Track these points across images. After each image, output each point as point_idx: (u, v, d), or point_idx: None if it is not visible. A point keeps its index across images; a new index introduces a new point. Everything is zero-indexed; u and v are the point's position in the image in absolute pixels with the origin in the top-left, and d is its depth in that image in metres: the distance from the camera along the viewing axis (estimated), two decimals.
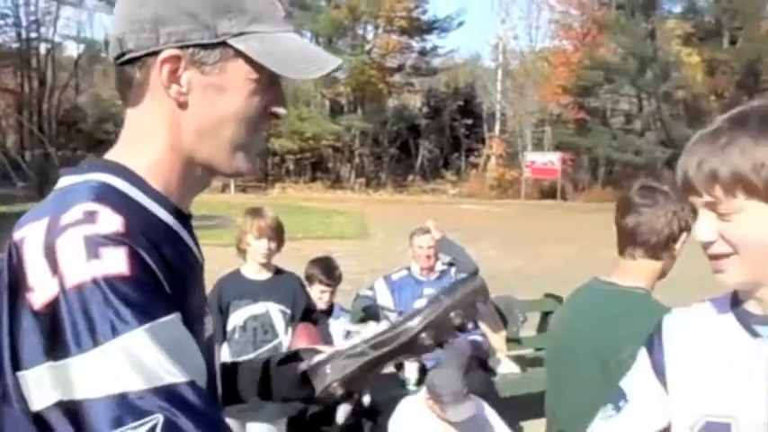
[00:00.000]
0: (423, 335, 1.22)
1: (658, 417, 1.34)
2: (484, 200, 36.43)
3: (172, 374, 0.88)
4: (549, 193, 38.55)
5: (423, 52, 44.23)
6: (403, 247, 6.80)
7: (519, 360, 5.61)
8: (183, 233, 1.07)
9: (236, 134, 1.06)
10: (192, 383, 0.90)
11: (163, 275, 0.94)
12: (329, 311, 4.72)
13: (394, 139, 42.48)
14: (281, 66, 1.04)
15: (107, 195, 0.98)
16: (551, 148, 40.53)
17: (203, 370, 0.97)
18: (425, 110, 45.54)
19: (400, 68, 43.14)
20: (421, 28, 43.08)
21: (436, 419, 3.39)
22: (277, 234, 3.85)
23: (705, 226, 1.19)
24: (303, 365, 1.30)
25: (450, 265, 5.46)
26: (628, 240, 2.07)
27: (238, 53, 1.03)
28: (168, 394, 0.87)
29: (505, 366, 5.36)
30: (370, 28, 42.44)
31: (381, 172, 42.12)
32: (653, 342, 1.38)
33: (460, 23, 45.40)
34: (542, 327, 6.12)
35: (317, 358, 1.29)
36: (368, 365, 1.25)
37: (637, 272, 2.08)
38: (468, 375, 3.68)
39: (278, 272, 3.97)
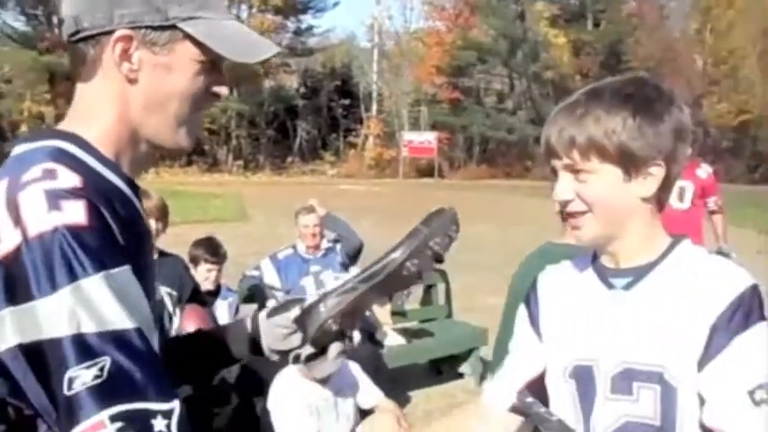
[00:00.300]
0: (407, 264, 1.26)
1: (534, 365, 1.45)
2: (363, 179, 36.71)
3: (122, 320, 0.95)
4: (426, 171, 39.25)
5: (298, 32, 43.90)
6: (284, 228, 6.77)
7: (404, 332, 5.74)
8: (134, 199, 1.14)
9: (180, 110, 1.15)
10: (139, 330, 0.96)
11: (118, 231, 1.01)
12: (216, 292, 4.68)
13: (271, 120, 42.01)
14: (225, 49, 1.13)
15: (62, 157, 1.05)
16: (427, 127, 41.26)
17: (150, 321, 1.02)
18: (302, 90, 45.26)
19: None
20: (296, 7, 42.72)
21: (307, 383, 3.54)
22: (163, 215, 3.79)
23: (564, 186, 1.32)
24: (295, 311, 1.34)
25: (336, 241, 5.51)
26: None
27: (186, 36, 1.12)
28: (117, 339, 0.94)
29: (392, 339, 5.47)
30: (244, 7, 41.65)
31: (259, 154, 41.62)
32: (529, 297, 1.50)
33: (336, 3, 45.66)
34: (426, 300, 6.29)
35: (309, 301, 1.34)
36: (360, 300, 1.30)
37: None
38: (356, 348, 3.78)
39: (162, 254, 3.90)
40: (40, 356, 0.93)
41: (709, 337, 1.21)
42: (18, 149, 1.10)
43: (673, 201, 5.96)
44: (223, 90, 1.19)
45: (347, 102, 43.25)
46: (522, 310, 1.52)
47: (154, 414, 0.94)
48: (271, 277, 5.27)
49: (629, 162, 1.27)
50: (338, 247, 5.47)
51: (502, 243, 14.59)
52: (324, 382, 3.54)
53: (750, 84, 48.02)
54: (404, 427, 3.47)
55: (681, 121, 1.30)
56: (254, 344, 1.39)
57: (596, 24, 47.12)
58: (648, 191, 1.29)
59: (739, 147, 45.63)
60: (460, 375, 6.01)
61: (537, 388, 1.44)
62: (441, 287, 6.27)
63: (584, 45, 45.59)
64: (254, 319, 1.40)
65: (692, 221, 5.51)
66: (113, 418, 0.91)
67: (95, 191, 1.01)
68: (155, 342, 1.01)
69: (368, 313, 5.56)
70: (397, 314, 5.79)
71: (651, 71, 49.34)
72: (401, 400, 4.61)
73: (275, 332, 1.37)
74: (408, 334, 5.76)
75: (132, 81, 1.12)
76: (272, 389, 3.71)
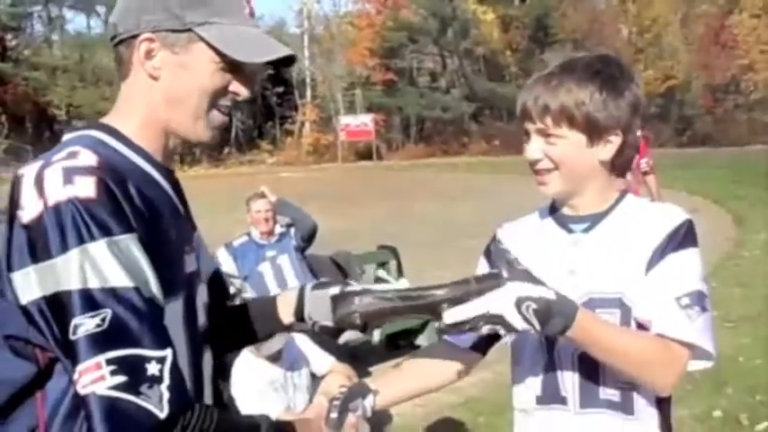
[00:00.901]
0: (444, 304, 1.35)
1: None
2: (302, 166, 36.61)
3: (122, 279, 1.11)
4: (364, 154, 39.31)
5: None
6: (226, 219, 6.80)
7: None
8: (163, 183, 1.32)
9: (198, 105, 1.30)
10: (137, 288, 1.13)
11: (129, 205, 1.17)
12: None
13: None
14: (233, 50, 1.27)
15: (90, 143, 1.24)
16: (363, 110, 41.24)
17: (152, 282, 1.16)
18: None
19: None
20: None
21: (257, 360, 3.78)
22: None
23: (535, 147, 1.52)
24: (335, 290, 1.50)
25: (290, 226, 5.60)
26: None
27: (201, 38, 1.28)
28: (118, 294, 1.10)
29: None
30: None
31: (195, 147, 40.84)
32: (489, 249, 1.69)
33: None
34: (378, 278, 6.43)
35: (350, 288, 1.50)
36: (389, 311, 1.43)
37: None
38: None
39: None
40: (56, 306, 1.10)
41: (650, 258, 1.46)
42: (64, 137, 1.30)
43: None
44: (241, 90, 1.34)
45: (281, 89, 42.82)
46: (482, 262, 1.69)
47: (148, 359, 1.10)
48: (227, 265, 5.34)
49: (593, 130, 1.48)
50: (292, 231, 5.56)
51: (445, 219, 14.84)
52: (275, 359, 3.77)
53: (674, 50, 49.32)
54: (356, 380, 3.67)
55: (637, 97, 1.51)
56: (299, 312, 1.55)
57: (523, 0, 47.65)
58: (607, 155, 1.51)
59: (666, 112, 46.86)
60: (417, 347, 6.16)
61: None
62: (392, 264, 6.41)
63: (512, 20, 46.04)
64: (301, 290, 1.57)
65: (631, 189, 5.72)
66: (109, 362, 1.07)
67: (111, 170, 1.17)
68: (149, 290, 1.15)
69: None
70: None
71: (578, 43, 50.21)
72: (360, 376, 4.74)
73: (317, 305, 1.51)
74: None
75: (156, 78, 1.29)
76: (234, 374, 3.84)
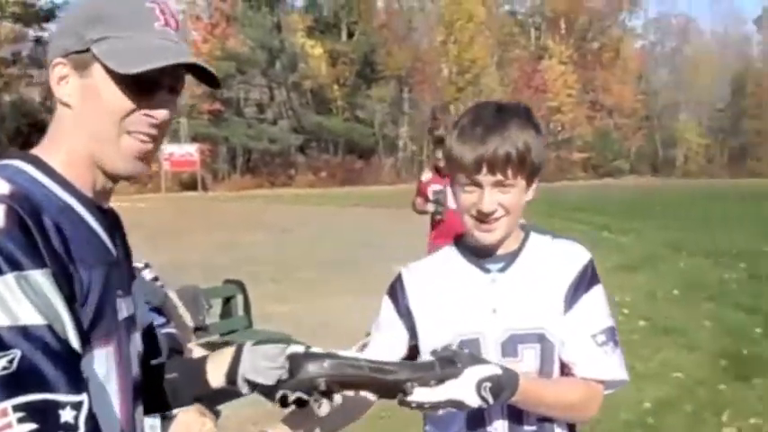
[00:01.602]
0: (408, 384, 1.35)
1: (397, 347, 1.64)
2: (125, 196, 35.10)
3: (33, 317, 1.00)
4: (189, 184, 38.44)
5: (40, 41, 41.05)
6: None
7: (208, 346, 5.66)
8: (90, 220, 1.18)
9: (108, 132, 1.16)
10: (50, 327, 1.02)
11: (42, 238, 1.06)
12: None
13: (14, 136, 38.92)
14: (115, 61, 1.13)
15: (10, 173, 1.12)
16: (188, 139, 40.39)
17: (67, 322, 1.05)
18: (49, 104, 42.40)
19: (15, 61, 39.62)
20: (38, 15, 39.94)
21: None
22: None
23: (493, 200, 1.52)
24: (296, 348, 1.36)
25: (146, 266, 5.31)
26: None
27: (94, 56, 1.15)
28: (28, 333, 1.00)
29: (197, 354, 5.38)
30: None
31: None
32: (395, 290, 1.69)
33: None
34: (225, 312, 6.27)
35: (314, 349, 1.36)
36: (358, 380, 1.35)
37: None
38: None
39: None
40: None
41: (565, 299, 1.58)
42: None
43: (450, 203, 6.40)
44: (154, 112, 1.17)
45: None
46: (387, 302, 1.70)
47: (62, 405, 0.99)
48: None
49: (533, 174, 1.55)
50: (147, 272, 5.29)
51: (277, 252, 14.73)
52: None
53: (491, 91, 52.12)
54: (209, 417, 3.52)
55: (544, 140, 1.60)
56: (232, 372, 1.39)
57: (350, 35, 48.73)
58: (531, 196, 1.59)
59: None
60: None
61: None
62: (239, 298, 6.28)
63: (340, 55, 46.98)
64: (238, 347, 1.41)
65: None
66: (16, 408, 0.96)
67: (25, 200, 1.07)
68: (63, 329, 1.04)
69: (174, 331, 5.50)
70: (199, 329, 5.72)
71: (402, 79, 52.02)
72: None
73: (257, 362, 1.37)
74: (212, 347, 5.66)
75: (69, 106, 1.17)
76: None
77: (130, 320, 1.26)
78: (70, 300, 1.06)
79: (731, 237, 14.84)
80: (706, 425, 4.92)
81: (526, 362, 1.55)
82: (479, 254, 1.62)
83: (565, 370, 1.59)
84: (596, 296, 1.60)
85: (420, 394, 1.35)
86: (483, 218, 1.53)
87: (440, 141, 6.67)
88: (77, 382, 1.03)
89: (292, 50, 44.40)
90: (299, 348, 1.36)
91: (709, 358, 6.45)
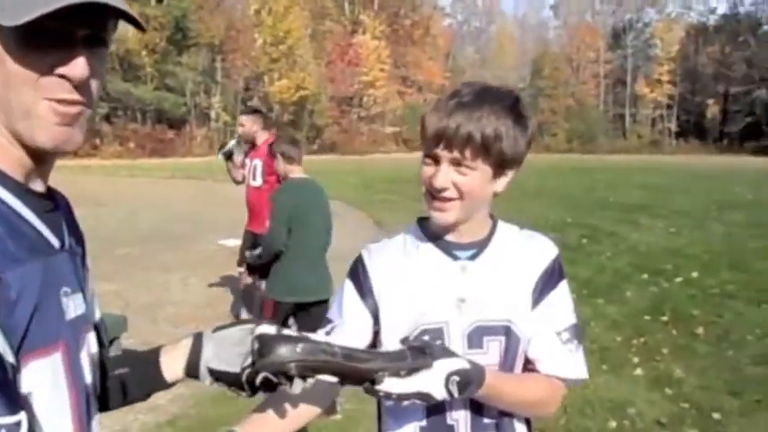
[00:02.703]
0: (380, 373, 1.31)
1: (363, 332, 1.59)
2: None
3: None
4: None
5: None
6: None
7: None
8: (21, 208, 1.02)
9: (19, 103, 0.98)
10: None
11: None
12: None
13: None
14: (2, 15, 0.93)
15: None
16: None
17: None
18: None
19: None
20: None
21: None
22: None
23: (446, 176, 1.47)
24: (267, 329, 1.26)
25: None
26: None
27: None
28: None
29: None
30: None
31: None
32: (357, 272, 1.62)
33: None
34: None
35: (285, 330, 1.27)
36: (327, 367, 1.28)
37: None
38: None
39: None
40: None
41: (533, 293, 1.56)
42: None
43: (250, 179, 6.30)
44: (67, 71, 0.98)
45: None
46: (348, 285, 1.63)
47: None
48: None
49: (501, 164, 1.48)
50: None
51: (91, 226, 14.02)
52: None
53: (305, 63, 52.12)
54: None
55: (533, 134, 1.53)
56: (192, 364, 1.30)
57: (160, 0, 46.82)
58: (501, 188, 1.53)
59: (299, 120, 49.44)
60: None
61: None
62: None
63: (149, 19, 44.99)
64: (196, 336, 1.33)
65: (265, 197, 5.73)
66: None
67: None
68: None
69: None
70: None
71: (215, 48, 50.74)
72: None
73: (221, 349, 1.29)
74: None
75: None
76: None
77: (81, 320, 1.11)
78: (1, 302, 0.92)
79: (542, 210, 15.50)
80: None
81: (491, 354, 1.53)
82: (449, 240, 1.58)
83: (528, 365, 1.58)
84: (562, 292, 1.59)
85: (389, 384, 1.32)
86: (435, 193, 1.49)
87: (253, 113, 6.61)
88: (12, 400, 0.90)
89: None
90: (271, 329, 1.26)
91: None
